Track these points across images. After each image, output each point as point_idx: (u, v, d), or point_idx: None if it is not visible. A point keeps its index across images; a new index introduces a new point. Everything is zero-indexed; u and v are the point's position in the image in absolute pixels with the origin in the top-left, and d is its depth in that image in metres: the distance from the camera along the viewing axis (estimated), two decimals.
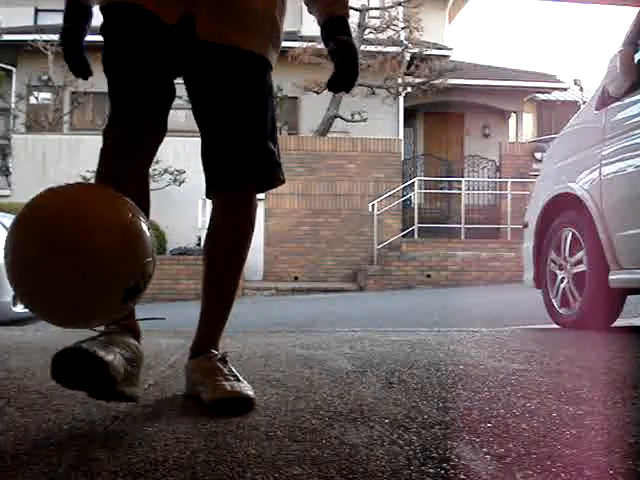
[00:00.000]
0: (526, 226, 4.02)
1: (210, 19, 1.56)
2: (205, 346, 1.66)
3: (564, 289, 3.50)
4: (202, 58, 1.61)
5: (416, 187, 12.26)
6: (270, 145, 1.70)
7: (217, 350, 1.66)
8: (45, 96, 14.34)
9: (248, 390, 1.53)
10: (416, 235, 11.70)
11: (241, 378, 1.58)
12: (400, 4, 13.91)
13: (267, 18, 1.64)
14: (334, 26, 1.67)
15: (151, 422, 1.40)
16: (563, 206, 3.54)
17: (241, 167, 1.66)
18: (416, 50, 13.84)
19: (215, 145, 1.68)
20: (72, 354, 1.27)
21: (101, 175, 1.60)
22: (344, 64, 1.64)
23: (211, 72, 1.62)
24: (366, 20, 13.42)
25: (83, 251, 1.22)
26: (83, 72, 1.74)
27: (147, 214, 1.51)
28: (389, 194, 11.70)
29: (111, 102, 1.59)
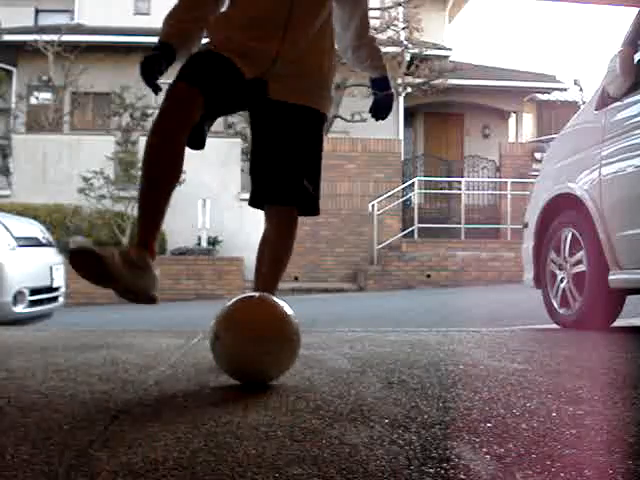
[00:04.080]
0: (526, 226, 4.02)
1: (281, 88, 2.04)
2: None
3: (564, 289, 3.50)
4: (272, 112, 2.07)
5: (416, 187, 12.25)
6: (309, 184, 2.16)
7: None
8: (45, 96, 14.35)
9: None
10: (416, 235, 11.70)
11: None
12: (400, 4, 13.91)
13: (325, 80, 2.14)
14: (381, 82, 2.34)
15: (151, 422, 1.40)
16: (563, 206, 3.54)
17: (291, 196, 2.14)
18: (416, 50, 13.84)
19: (271, 173, 2.12)
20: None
21: (165, 117, 1.89)
22: (384, 108, 2.33)
23: (278, 123, 2.08)
24: None
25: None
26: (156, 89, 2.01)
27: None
28: (389, 194, 11.70)
29: (194, 66, 1.94)
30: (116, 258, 1.70)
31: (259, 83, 2.01)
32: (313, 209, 2.21)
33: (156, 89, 1.97)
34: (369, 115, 2.32)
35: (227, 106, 2.06)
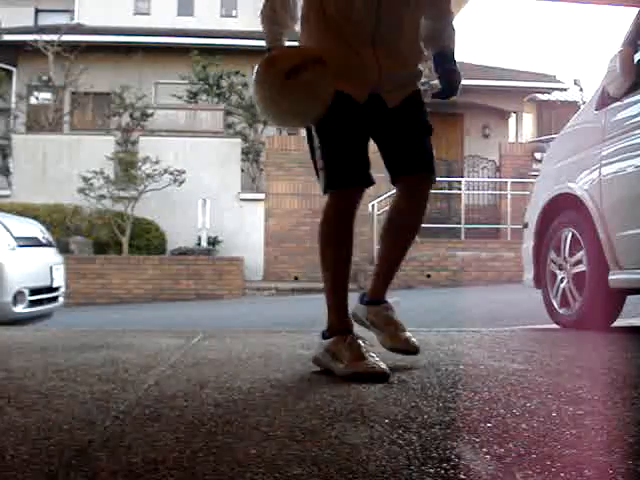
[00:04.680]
0: (526, 226, 4.02)
1: (394, 95, 2.08)
2: (382, 296, 2.26)
3: (564, 289, 3.50)
4: (394, 118, 2.11)
5: None
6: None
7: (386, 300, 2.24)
8: (45, 96, 14.33)
9: (415, 340, 2.11)
10: None
11: (404, 327, 2.16)
12: None
13: (419, 59, 2.18)
14: (446, 56, 2.22)
15: (151, 422, 1.40)
16: (563, 206, 3.54)
17: (425, 161, 2.17)
18: None
19: (408, 150, 2.15)
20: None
21: (334, 231, 2.18)
22: (449, 87, 2.21)
23: (400, 122, 2.13)
24: None
25: None
26: None
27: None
28: (389, 194, 11.68)
29: (331, 167, 2.05)
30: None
31: (375, 99, 2.06)
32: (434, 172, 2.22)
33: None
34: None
35: (364, 143, 2.09)
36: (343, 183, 2.05)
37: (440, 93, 2.23)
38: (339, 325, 2.10)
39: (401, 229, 2.23)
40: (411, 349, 2.09)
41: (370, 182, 2.08)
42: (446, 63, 2.22)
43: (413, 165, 2.15)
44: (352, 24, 2.00)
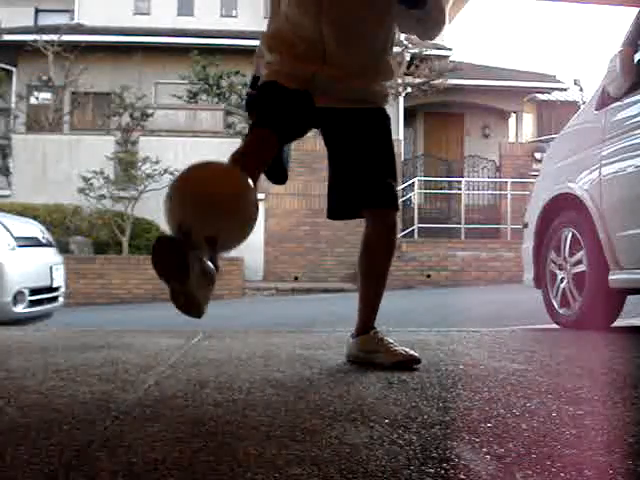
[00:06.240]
0: (526, 226, 4.02)
1: (326, 98, 2.06)
2: (369, 325, 2.21)
3: (564, 289, 3.50)
4: (336, 122, 2.14)
5: (416, 187, 12.25)
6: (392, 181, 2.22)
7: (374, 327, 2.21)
8: (45, 96, 14.34)
9: (414, 352, 2.10)
10: (416, 235, 11.70)
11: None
12: None
13: (375, 77, 2.15)
14: None
15: (151, 422, 1.40)
16: (563, 206, 3.54)
17: (384, 195, 2.17)
18: (416, 50, 13.82)
19: (359, 178, 2.17)
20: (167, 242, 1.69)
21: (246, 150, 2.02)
22: None
23: (346, 131, 2.16)
24: None
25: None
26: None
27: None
28: None
29: (262, 108, 2.03)
30: (196, 261, 1.69)
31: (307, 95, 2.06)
32: (396, 206, 2.23)
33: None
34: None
35: (297, 131, 2.09)
36: (264, 121, 2.01)
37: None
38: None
39: (374, 255, 2.29)
40: (415, 357, 2.08)
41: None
42: None
43: (373, 199, 2.17)
44: (303, 26, 2.03)
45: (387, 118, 2.22)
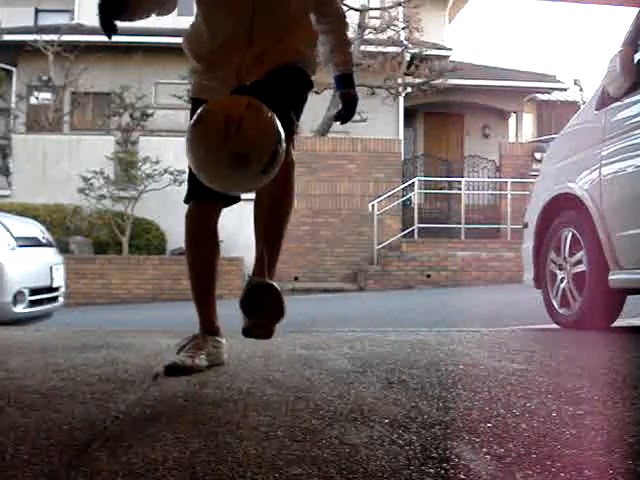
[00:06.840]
0: (526, 226, 4.02)
1: (255, 75, 2.04)
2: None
3: (564, 289, 3.50)
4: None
5: (416, 187, 12.25)
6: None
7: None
8: (45, 96, 14.32)
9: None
10: (416, 235, 11.69)
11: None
12: (400, 4, 13.89)
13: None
14: (344, 80, 2.30)
15: (151, 422, 1.40)
16: (563, 206, 3.54)
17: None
18: (416, 50, 13.82)
19: None
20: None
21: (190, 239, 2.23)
22: (348, 109, 2.31)
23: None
24: (366, 20, 13.39)
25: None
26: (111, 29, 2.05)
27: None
28: (389, 194, 11.69)
29: (189, 180, 2.15)
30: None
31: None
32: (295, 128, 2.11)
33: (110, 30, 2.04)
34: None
35: None
36: (195, 196, 2.15)
37: (341, 115, 2.32)
38: (202, 325, 2.22)
39: (273, 206, 2.18)
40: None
41: (218, 198, 2.11)
42: (347, 88, 2.31)
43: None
44: (226, 32, 2.05)
45: (305, 77, 2.14)
